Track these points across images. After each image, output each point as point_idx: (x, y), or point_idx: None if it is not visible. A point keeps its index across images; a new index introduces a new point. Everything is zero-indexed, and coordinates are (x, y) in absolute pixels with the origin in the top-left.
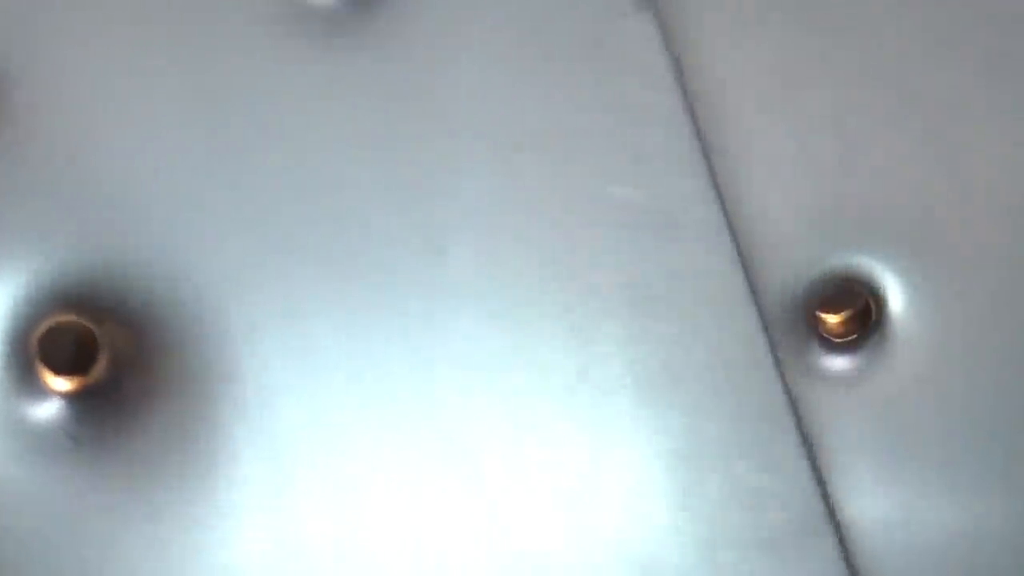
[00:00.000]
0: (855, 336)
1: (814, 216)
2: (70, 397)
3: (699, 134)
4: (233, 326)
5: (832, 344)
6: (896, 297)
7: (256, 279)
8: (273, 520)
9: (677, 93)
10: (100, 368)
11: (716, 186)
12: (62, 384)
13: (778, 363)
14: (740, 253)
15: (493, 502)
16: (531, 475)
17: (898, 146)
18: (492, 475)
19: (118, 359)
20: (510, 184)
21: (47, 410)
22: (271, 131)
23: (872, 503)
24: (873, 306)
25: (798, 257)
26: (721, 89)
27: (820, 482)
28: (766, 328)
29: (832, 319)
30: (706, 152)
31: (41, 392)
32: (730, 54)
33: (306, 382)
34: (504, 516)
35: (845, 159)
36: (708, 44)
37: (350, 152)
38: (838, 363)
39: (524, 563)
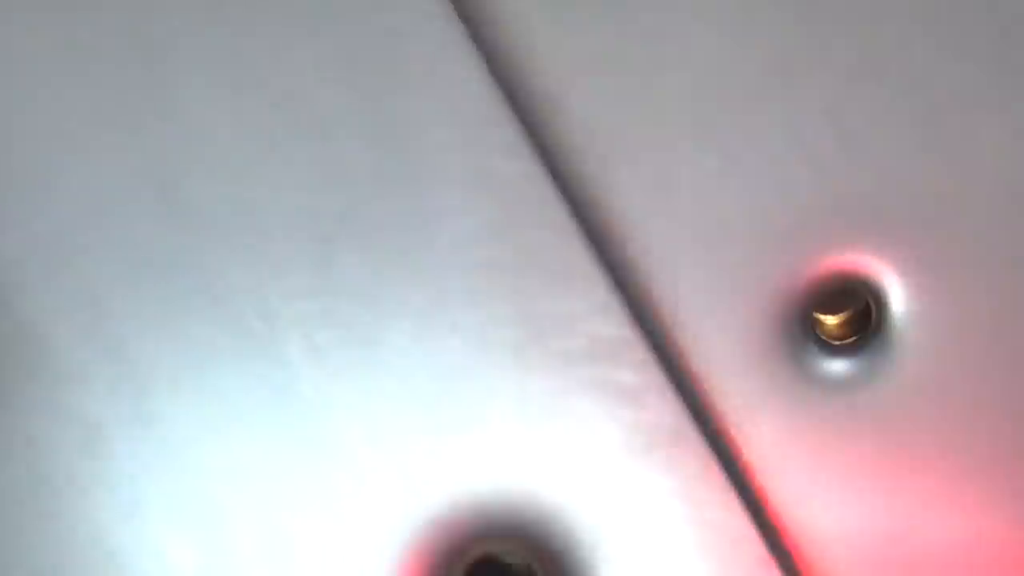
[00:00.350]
0: (854, 339)
1: (810, 211)
2: None
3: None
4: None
5: (830, 347)
6: (898, 297)
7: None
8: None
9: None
10: None
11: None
12: None
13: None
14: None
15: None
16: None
17: (899, 137)
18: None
19: None
20: None
21: None
22: None
23: (872, 517)
24: (874, 307)
25: (794, 255)
26: (713, 78)
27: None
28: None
29: (830, 321)
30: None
31: None
32: (722, 42)
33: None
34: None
35: (843, 151)
36: (701, 31)
37: None
38: (836, 367)
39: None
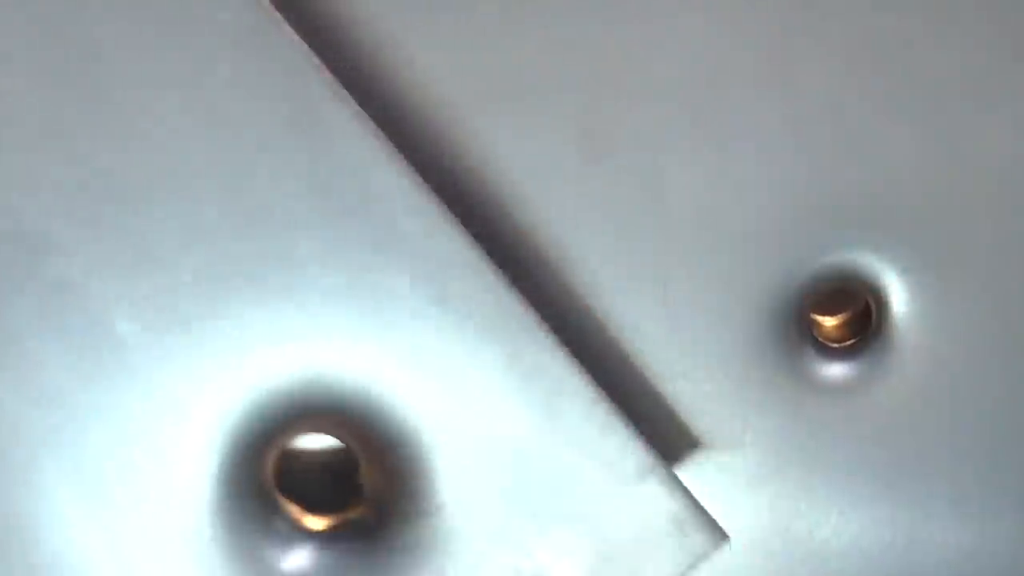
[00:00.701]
0: (854, 341)
1: (807, 206)
2: None
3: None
4: None
5: (828, 350)
6: (899, 297)
7: None
8: None
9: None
10: None
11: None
12: None
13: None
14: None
15: None
16: None
17: (901, 130)
18: None
19: None
20: None
21: None
22: None
23: (872, 526)
24: (874, 308)
25: (790, 253)
26: (702, 65)
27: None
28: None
29: (828, 322)
30: None
31: None
32: (713, 26)
33: None
34: None
35: (842, 142)
36: (689, 14)
37: None
38: (835, 371)
39: None
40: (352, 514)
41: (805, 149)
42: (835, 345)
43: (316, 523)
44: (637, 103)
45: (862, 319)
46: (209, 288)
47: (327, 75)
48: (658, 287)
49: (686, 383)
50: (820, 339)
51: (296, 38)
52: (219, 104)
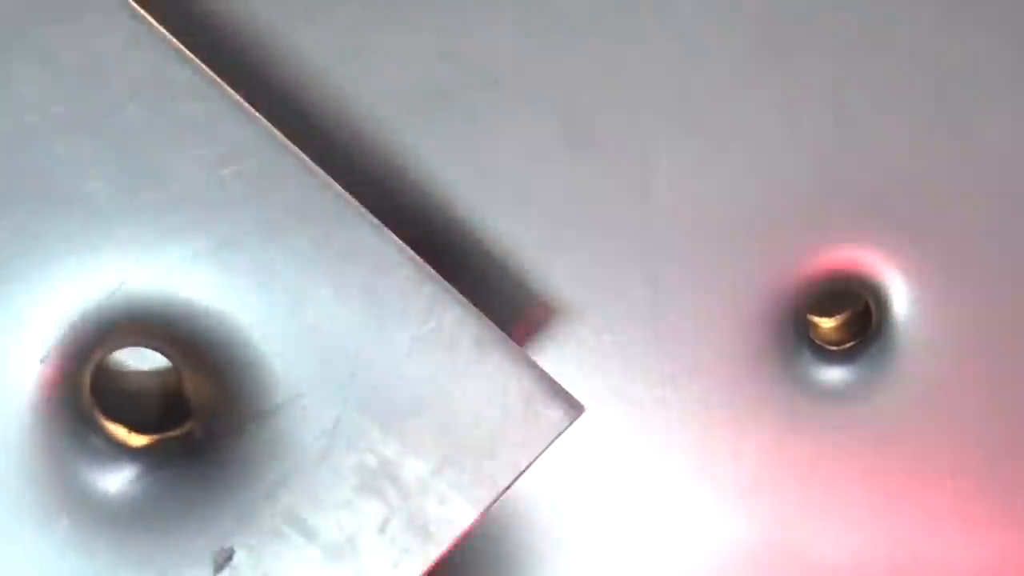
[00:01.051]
0: (853, 343)
1: (804, 201)
2: None
3: None
4: None
5: (826, 353)
6: (901, 298)
7: None
8: None
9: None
10: None
11: None
12: None
13: None
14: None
15: None
16: None
17: (903, 119)
18: None
19: None
20: None
21: None
22: None
23: (872, 540)
24: (874, 308)
25: (786, 250)
26: (696, 52)
27: None
28: None
29: (826, 323)
30: None
31: None
32: (706, 10)
33: None
34: None
35: (841, 134)
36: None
37: None
38: (833, 375)
39: None
40: (178, 431)
41: (799, 139)
42: (833, 348)
43: (138, 440)
44: (623, 91)
45: (861, 320)
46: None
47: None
48: (646, 287)
49: (674, 389)
50: (817, 341)
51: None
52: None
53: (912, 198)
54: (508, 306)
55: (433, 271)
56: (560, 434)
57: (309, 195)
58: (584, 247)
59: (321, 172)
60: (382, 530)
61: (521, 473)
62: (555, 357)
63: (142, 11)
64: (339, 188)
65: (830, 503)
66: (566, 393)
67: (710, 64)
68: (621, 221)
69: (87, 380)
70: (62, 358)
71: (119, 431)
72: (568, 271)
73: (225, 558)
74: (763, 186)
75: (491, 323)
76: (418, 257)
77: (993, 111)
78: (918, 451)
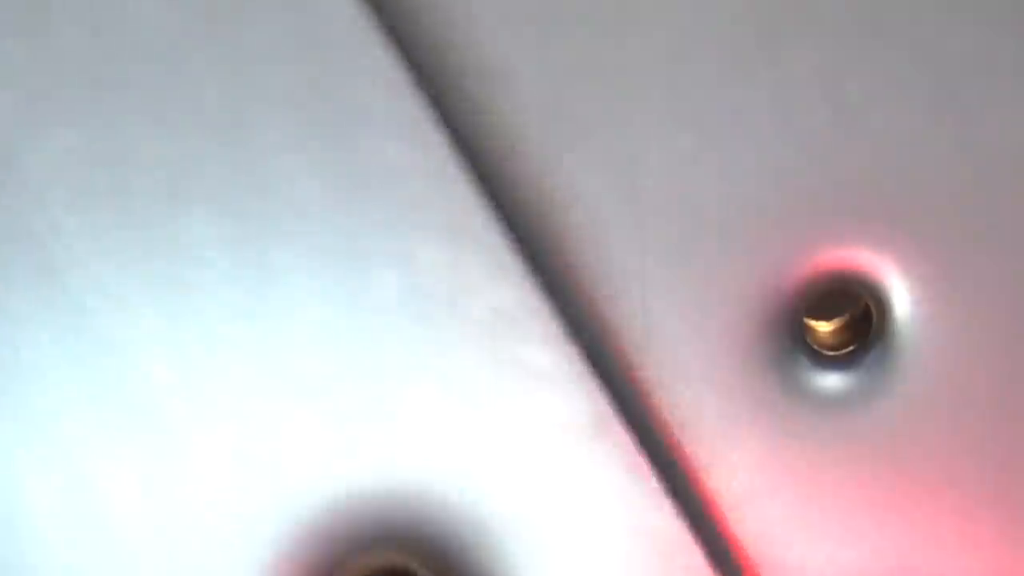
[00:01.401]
0: (852, 348)
1: (800, 198)
2: None
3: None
4: None
5: (823, 358)
6: (902, 300)
7: None
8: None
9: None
10: None
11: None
12: None
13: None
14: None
15: None
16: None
17: (903, 111)
18: None
19: None
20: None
21: None
22: None
23: (873, 556)
24: (874, 311)
25: (780, 249)
26: (685, 40)
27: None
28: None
29: (823, 327)
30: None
31: None
32: (697, 2)
33: None
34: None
35: (838, 126)
36: None
37: None
38: (831, 382)
39: None
40: None
41: (795, 132)
42: (831, 353)
43: None
44: (611, 81)
45: (861, 323)
46: None
47: None
48: (635, 288)
49: (664, 396)
50: (814, 346)
51: None
52: None
53: (913, 194)
54: None
55: None
56: None
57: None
58: (569, 247)
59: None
60: None
61: None
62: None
63: None
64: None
65: (828, 516)
66: None
67: (700, 52)
68: (610, 219)
69: None
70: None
71: None
72: (550, 275)
73: None
74: (756, 183)
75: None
76: None
77: (1000, 104)
78: (920, 462)
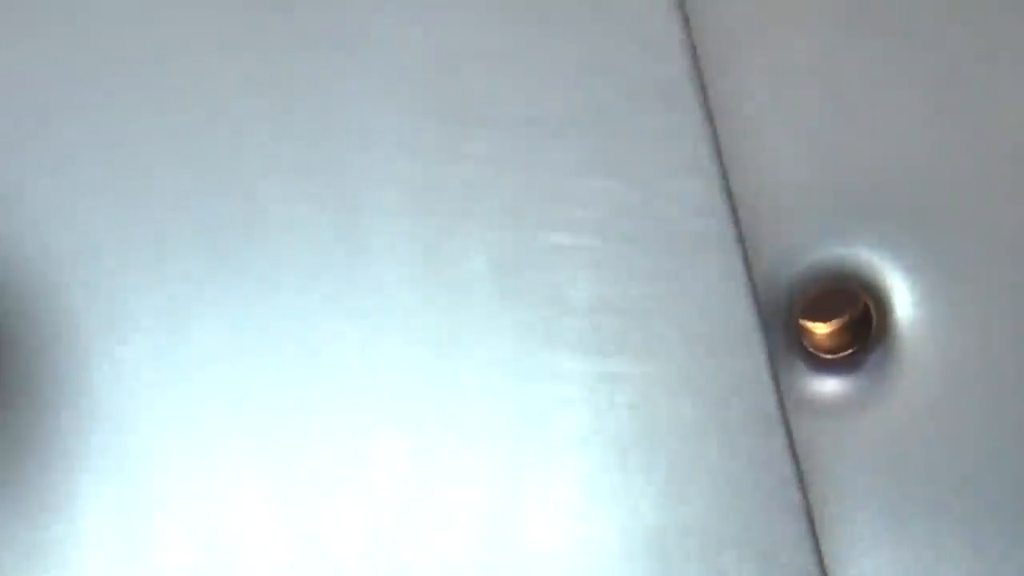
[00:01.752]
0: (851, 351)
1: (796, 195)
2: None
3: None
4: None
5: (821, 362)
6: (903, 301)
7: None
8: (123, 546)
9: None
10: None
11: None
12: None
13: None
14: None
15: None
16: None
17: (904, 103)
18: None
19: None
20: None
21: None
22: None
23: (873, 568)
24: (874, 313)
25: (777, 247)
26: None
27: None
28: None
29: (821, 329)
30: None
31: None
32: None
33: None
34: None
35: (837, 119)
36: None
37: None
38: (829, 386)
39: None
40: None
41: (791, 126)
42: (829, 356)
43: None
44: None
45: (860, 326)
46: None
47: None
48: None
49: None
50: (811, 349)
51: None
52: None
53: (915, 192)
54: None
55: None
56: None
57: None
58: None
59: None
60: None
61: None
62: None
63: None
64: None
65: (825, 527)
66: None
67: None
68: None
69: None
70: None
71: None
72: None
73: None
74: (750, 180)
75: None
76: None
77: (1005, 98)
78: (922, 469)
